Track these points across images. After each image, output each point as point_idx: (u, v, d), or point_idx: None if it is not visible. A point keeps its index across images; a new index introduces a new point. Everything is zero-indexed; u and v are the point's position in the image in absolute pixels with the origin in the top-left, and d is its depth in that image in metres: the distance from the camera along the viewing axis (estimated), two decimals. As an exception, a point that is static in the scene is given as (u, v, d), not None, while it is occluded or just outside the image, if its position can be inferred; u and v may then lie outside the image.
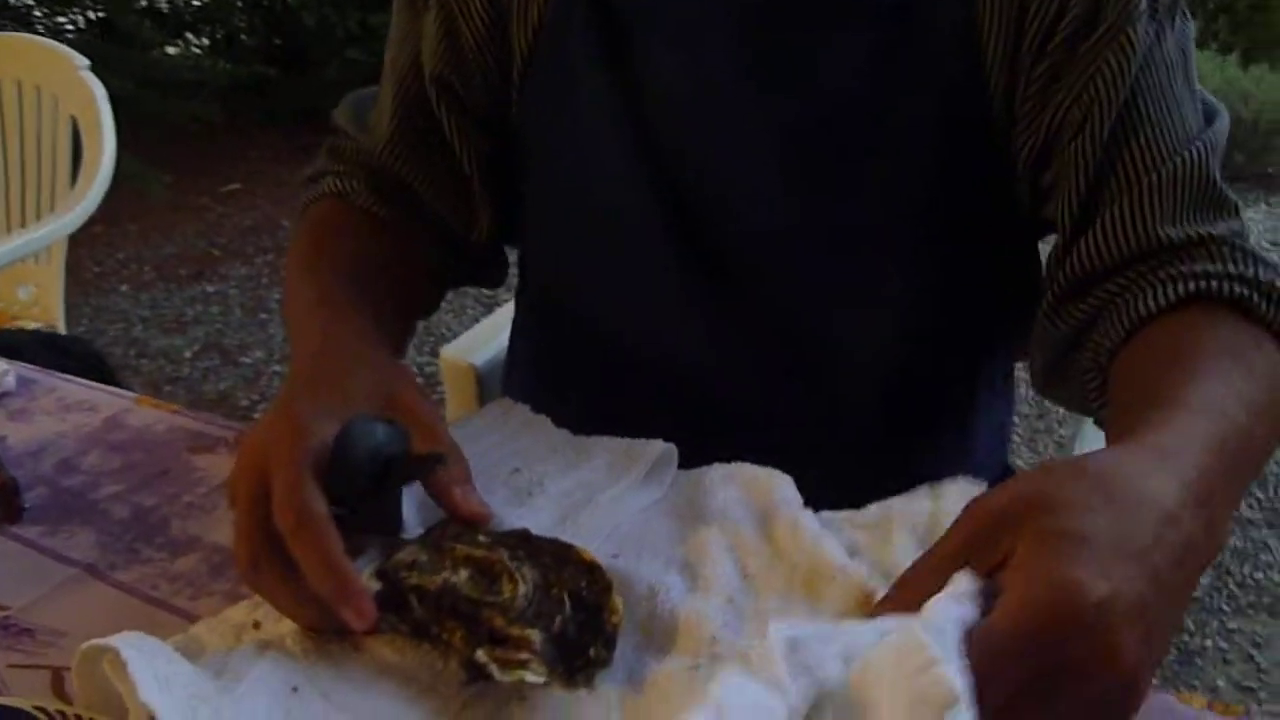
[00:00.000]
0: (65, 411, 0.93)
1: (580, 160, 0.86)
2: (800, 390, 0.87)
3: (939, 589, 0.49)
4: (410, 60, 0.89)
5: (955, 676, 0.43)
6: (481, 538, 0.63)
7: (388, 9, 0.95)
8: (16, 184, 2.04)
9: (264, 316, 3.37)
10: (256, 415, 2.82)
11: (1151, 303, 0.71)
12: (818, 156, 0.80)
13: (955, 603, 0.47)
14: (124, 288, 3.63)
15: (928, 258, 0.82)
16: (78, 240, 2.07)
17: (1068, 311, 0.78)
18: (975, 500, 0.53)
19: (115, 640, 0.54)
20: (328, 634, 0.61)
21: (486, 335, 1.27)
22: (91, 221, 1.94)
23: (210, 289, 3.58)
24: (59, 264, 1.98)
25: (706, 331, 0.86)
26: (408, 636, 0.60)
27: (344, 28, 4.70)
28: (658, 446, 0.75)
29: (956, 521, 0.53)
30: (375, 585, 0.60)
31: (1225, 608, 2.21)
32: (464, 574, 0.60)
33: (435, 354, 3.09)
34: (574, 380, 0.96)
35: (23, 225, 2.02)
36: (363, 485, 0.62)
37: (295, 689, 0.58)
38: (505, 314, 1.31)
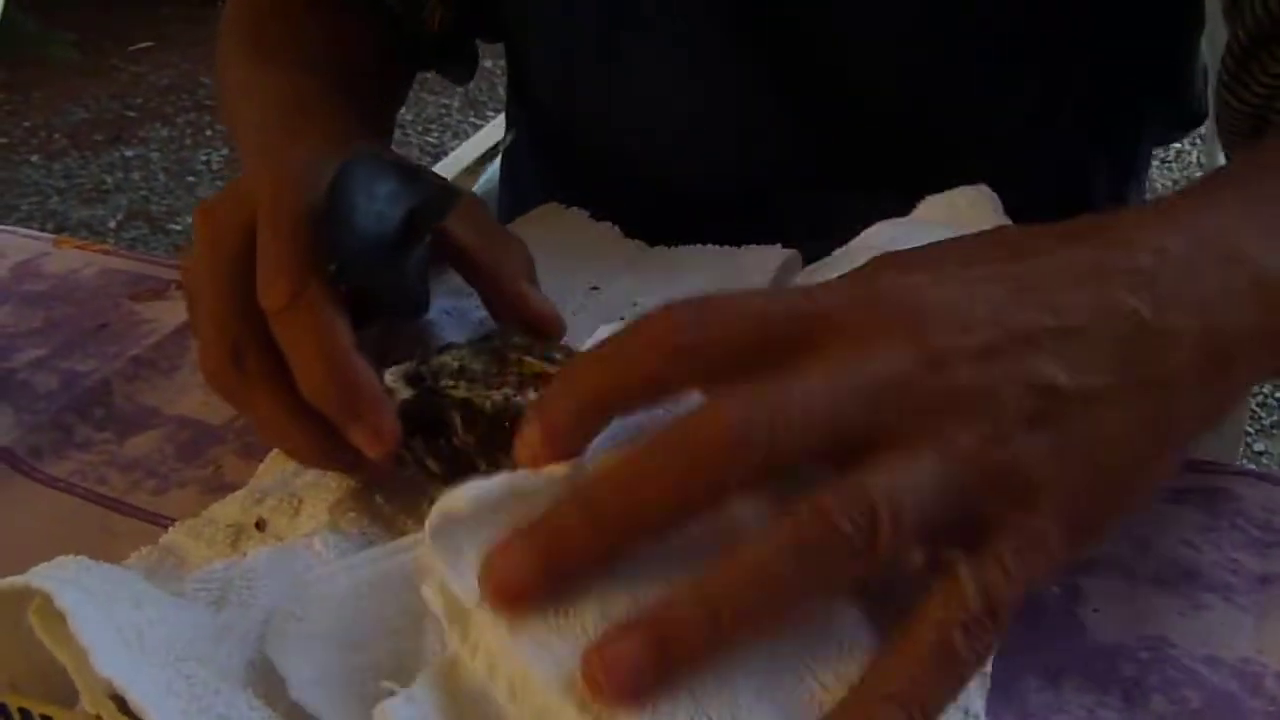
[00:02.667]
0: (-38, 262, 0.71)
1: None
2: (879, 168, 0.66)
3: None
4: None
5: None
6: (558, 354, 0.43)
7: None
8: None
9: (190, 179, 3.10)
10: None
11: None
12: None
13: None
14: (35, 158, 3.32)
15: None
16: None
17: (1253, 78, 0.57)
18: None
19: (44, 576, 0.33)
20: (363, 520, 0.42)
21: (481, 152, 1.05)
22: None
23: (129, 153, 3.28)
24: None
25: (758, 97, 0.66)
26: (437, 477, 0.41)
27: None
28: (777, 253, 0.55)
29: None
30: (403, 392, 0.41)
31: (1249, 429, 2.08)
32: (532, 395, 0.41)
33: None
34: (591, 169, 0.74)
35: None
36: (375, 246, 0.42)
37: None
38: (497, 130, 1.09)
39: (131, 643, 0.32)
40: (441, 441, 0.41)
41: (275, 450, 0.49)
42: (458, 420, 0.41)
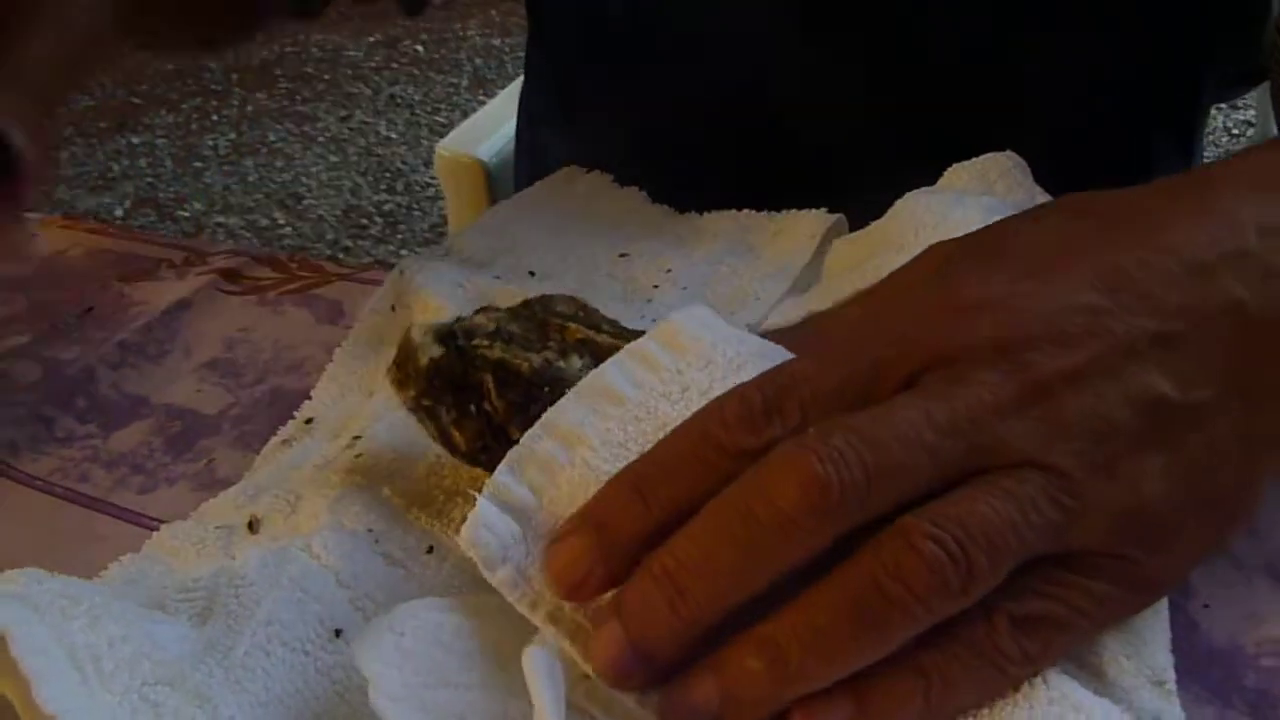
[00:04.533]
0: (-60, 244, 0.66)
1: None
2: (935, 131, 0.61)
3: None
4: None
5: None
6: (605, 325, 0.38)
7: None
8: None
9: (198, 165, 3.05)
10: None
11: None
12: None
13: None
14: (40, 146, 3.28)
15: None
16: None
17: None
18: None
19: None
20: (369, 515, 0.37)
21: (490, 124, 1.00)
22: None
23: (135, 140, 3.24)
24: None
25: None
26: (464, 454, 0.36)
27: None
28: (821, 219, 0.50)
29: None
30: (432, 350, 0.36)
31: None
32: (576, 362, 0.36)
33: (392, 189, 2.81)
34: (623, 127, 0.69)
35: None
36: None
37: (337, 632, 0.33)
38: (508, 100, 1.04)
39: (86, 668, 0.27)
40: (471, 406, 0.36)
41: (272, 440, 0.45)
42: (490, 382, 0.36)
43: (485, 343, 0.36)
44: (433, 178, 2.86)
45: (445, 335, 0.36)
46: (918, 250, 0.39)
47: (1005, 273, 0.31)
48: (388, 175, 2.90)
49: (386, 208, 2.75)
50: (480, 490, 0.30)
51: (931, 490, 0.27)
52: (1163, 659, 0.31)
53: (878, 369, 0.30)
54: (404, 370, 0.36)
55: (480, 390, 0.35)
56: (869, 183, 0.48)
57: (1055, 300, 0.30)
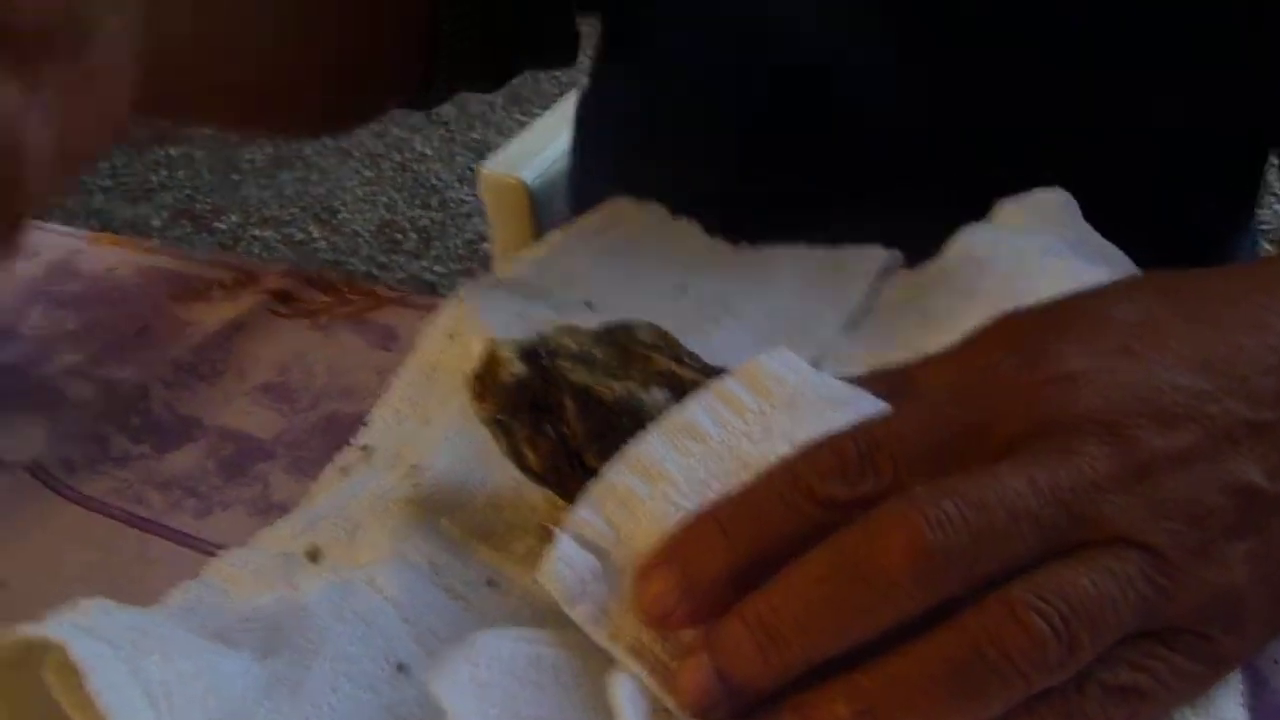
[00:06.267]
0: (-7, 259, 0.67)
1: None
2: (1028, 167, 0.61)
3: None
4: None
5: None
6: (687, 358, 0.38)
7: None
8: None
9: (236, 177, 3.08)
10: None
11: None
12: None
13: None
14: (79, 156, 3.32)
15: None
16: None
17: None
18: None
19: (61, 625, 0.28)
20: (429, 547, 0.37)
21: (535, 145, 1.00)
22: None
23: (174, 152, 3.26)
24: None
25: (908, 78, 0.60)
26: (535, 473, 0.36)
27: None
28: (877, 254, 0.50)
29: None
30: (516, 366, 0.36)
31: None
32: (658, 395, 0.35)
33: (427, 205, 2.83)
34: (686, 147, 0.68)
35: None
36: None
37: (400, 666, 0.33)
38: (553, 121, 1.04)
39: (160, 705, 0.27)
40: (547, 426, 0.36)
41: (329, 468, 0.45)
42: (571, 406, 0.36)
43: (569, 365, 0.36)
44: (468, 194, 2.88)
45: (530, 353, 0.36)
46: (980, 295, 0.38)
47: (1097, 346, 0.32)
48: (423, 191, 2.92)
49: (421, 223, 2.77)
50: (555, 524, 0.30)
51: (1031, 559, 0.27)
52: (1232, 714, 0.31)
53: (975, 433, 0.30)
54: (484, 383, 0.36)
55: (559, 412, 0.35)
56: (923, 195, 0.48)
57: (1153, 378, 0.30)
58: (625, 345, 0.37)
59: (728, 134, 0.67)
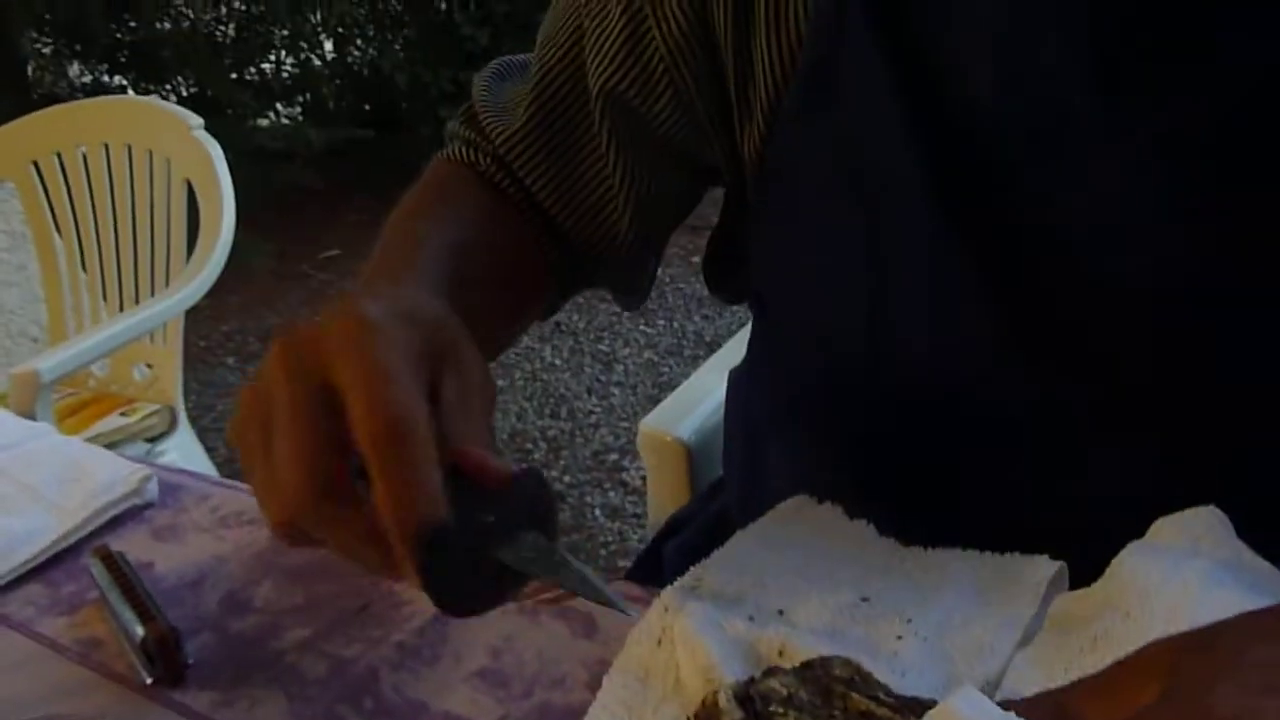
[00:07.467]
0: (222, 526, 0.75)
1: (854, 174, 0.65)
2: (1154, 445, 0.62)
3: None
4: (561, 60, 0.73)
5: None
6: (882, 694, 0.43)
7: (479, 66, 0.82)
8: (129, 253, 1.89)
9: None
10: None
11: None
12: (1221, 167, 0.57)
13: None
14: (230, 360, 3.51)
15: None
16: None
17: None
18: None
19: None
20: None
21: (689, 402, 1.07)
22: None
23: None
24: (176, 340, 1.82)
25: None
26: None
27: (437, 86, 4.59)
28: (1046, 565, 0.55)
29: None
30: (734, 713, 0.42)
31: None
32: None
33: (556, 414, 2.92)
34: (832, 428, 0.73)
35: (136, 299, 1.87)
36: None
37: None
38: (707, 378, 1.11)
39: None
40: None
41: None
42: None
43: (780, 710, 0.41)
44: (595, 404, 2.97)
45: (744, 699, 0.42)
46: (1143, 619, 0.43)
47: (1247, 684, 0.35)
48: (551, 401, 3.02)
49: (550, 433, 2.86)
50: None
51: None
52: None
53: None
54: None
55: None
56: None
57: None
58: (825, 684, 0.43)
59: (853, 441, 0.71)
